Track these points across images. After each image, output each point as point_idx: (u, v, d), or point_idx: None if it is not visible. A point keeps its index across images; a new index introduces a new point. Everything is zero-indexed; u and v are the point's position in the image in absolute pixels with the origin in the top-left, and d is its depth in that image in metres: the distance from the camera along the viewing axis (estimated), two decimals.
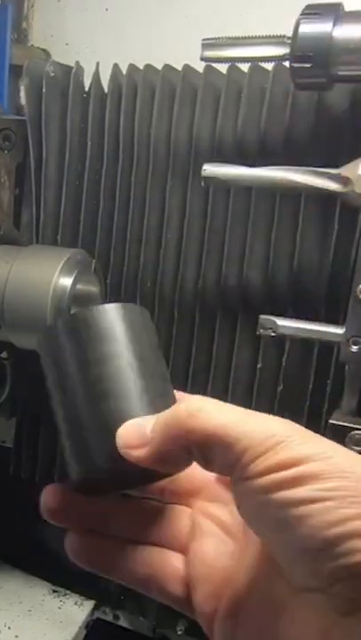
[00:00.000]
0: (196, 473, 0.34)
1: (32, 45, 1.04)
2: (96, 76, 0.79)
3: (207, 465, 0.30)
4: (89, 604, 0.95)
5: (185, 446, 0.29)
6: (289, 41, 0.61)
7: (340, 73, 0.60)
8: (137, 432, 0.31)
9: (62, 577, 0.97)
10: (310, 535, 0.26)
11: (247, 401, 0.75)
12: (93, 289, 0.78)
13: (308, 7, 0.61)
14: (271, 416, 0.29)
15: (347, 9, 0.61)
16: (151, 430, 0.31)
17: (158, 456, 0.30)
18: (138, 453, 0.30)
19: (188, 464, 0.32)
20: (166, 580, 0.35)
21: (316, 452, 0.27)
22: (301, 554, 0.27)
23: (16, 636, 0.88)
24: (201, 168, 0.66)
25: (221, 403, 0.30)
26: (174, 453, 0.30)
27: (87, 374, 0.33)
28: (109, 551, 0.35)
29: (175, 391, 0.36)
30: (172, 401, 0.34)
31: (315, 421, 0.71)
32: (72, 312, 0.34)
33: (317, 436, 0.30)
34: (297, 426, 0.29)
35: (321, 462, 0.27)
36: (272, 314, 0.67)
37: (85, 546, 0.35)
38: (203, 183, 0.67)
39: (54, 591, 0.97)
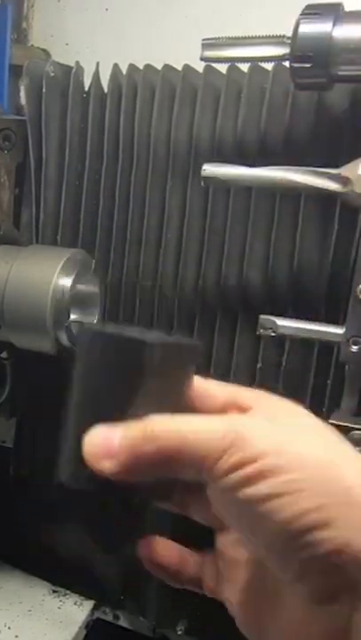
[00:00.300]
0: None
1: (32, 45, 1.04)
2: (96, 76, 0.79)
3: (177, 473, 0.30)
4: (89, 604, 0.95)
5: (153, 461, 0.29)
6: (289, 41, 0.61)
7: (340, 73, 0.60)
8: (104, 443, 0.30)
9: (62, 577, 0.97)
10: (275, 530, 0.27)
11: None
12: (93, 289, 0.78)
13: (308, 7, 0.61)
14: (228, 415, 0.30)
15: (347, 9, 0.61)
16: (119, 444, 0.30)
17: (127, 470, 0.30)
18: (108, 465, 0.30)
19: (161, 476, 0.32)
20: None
21: (272, 446, 0.28)
22: (271, 548, 0.28)
23: (16, 636, 0.88)
24: (201, 168, 0.66)
25: (176, 416, 0.30)
26: (143, 468, 0.30)
27: (89, 388, 0.32)
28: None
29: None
30: None
31: None
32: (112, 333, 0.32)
33: (278, 415, 0.30)
34: (249, 419, 0.29)
35: (276, 456, 0.27)
36: (272, 314, 0.67)
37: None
38: (203, 183, 0.67)
39: (54, 591, 0.97)
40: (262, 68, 0.71)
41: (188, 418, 0.30)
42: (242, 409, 0.33)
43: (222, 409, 0.34)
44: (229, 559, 0.34)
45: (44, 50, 1.02)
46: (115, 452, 0.30)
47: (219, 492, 0.29)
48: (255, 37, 0.64)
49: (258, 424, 0.29)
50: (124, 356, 0.31)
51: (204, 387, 0.35)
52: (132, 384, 0.31)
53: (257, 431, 0.28)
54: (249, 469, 0.27)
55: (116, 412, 0.31)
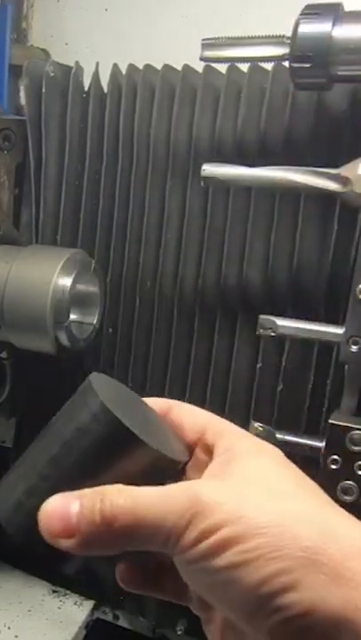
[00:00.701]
0: None
1: (32, 45, 1.04)
2: (95, 76, 0.79)
3: (138, 546, 0.30)
4: (89, 604, 0.95)
5: (113, 540, 0.29)
6: (288, 41, 0.61)
7: (339, 73, 0.60)
8: (62, 519, 0.30)
9: (62, 577, 0.97)
10: (241, 597, 0.27)
11: (247, 401, 0.75)
12: (93, 289, 0.78)
13: (308, 7, 0.61)
14: (184, 484, 0.30)
15: (347, 9, 0.61)
16: (76, 520, 0.29)
17: (86, 547, 0.30)
18: (67, 544, 0.30)
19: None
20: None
21: (230, 513, 0.28)
22: (240, 614, 0.28)
23: (16, 636, 0.88)
24: (201, 168, 0.66)
25: (132, 492, 0.30)
26: (103, 546, 0.30)
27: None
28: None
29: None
30: None
31: (315, 421, 0.71)
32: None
33: (234, 460, 0.31)
34: (206, 487, 0.30)
35: (236, 525, 0.28)
36: (272, 314, 0.67)
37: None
38: (202, 183, 0.67)
39: (54, 591, 0.97)
40: (262, 68, 0.71)
41: (146, 494, 0.29)
42: (206, 447, 0.34)
43: (194, 444, 0.35)
44: (207, 605, 0.34)
45: (43, 50, 1.02)
46: (73, 529, 0.29)
47: (185, 564, 0.29)
48: (255, 37, 0.64)
49: (217, 491, 0.29)
50: (121, 443, 0.31)
51: (180, 421, 0.36)
52: (112, 463, 0.31)
53: (216, 500, 0.29)
54: (211, 540, 0.28)
55: (87, 479, 0.31)
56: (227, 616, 0.31)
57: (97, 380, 0.33)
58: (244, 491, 0.30)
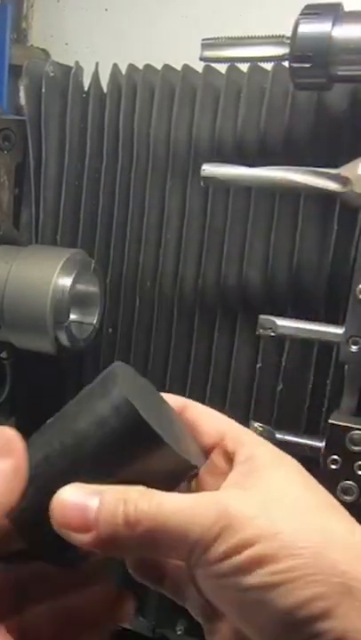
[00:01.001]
0: None
1: (31, 45, 1.05)
2: (95, 76, 0.79)
3: (158, 553, 0.28)
4: None
5: (134, 537, 0.28)
6: (288, 41, 0.61)
7: (339, 73, 0.60)
8: (80, 512, 0.28)
9: None
10: (270, 618, 0.26)
11: (247, 401, 0.75)
12: (93, 289, 0.78)
13: (308, 7, 0.61)
14: (212, 495, 0.29)
15: (347, 9, 0.61)
16: (95, 516, 0.28)
17: (102, 546, 0.28)
18: (80, 538, 0.28)
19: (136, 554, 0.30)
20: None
21: (263, 529, 0.27)
22: (265, 635, 0.27)
23: None
24: (200, 168, 0.66)
25: (157, 493, 0.28)
26: (122, 549, 0.28)
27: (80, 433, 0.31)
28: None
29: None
30: None
31: (315, 421, 0.71)
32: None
33: (258, 471, 0.30)
34: (233, 499, 0.28)
35: (271, 542, 0.26)
36: (272, 314, 0.67)
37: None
38: (202, 183, 0.67)
39: None
40: (262, 68, 0.71)
41: (172, 500, 0.28)
42: (227, 453, 0.33)
43: (210, 448, 0.34)
44: (211, 616, 0.33)
45: (43, 50, 1.02)
46: (89, 525, 0.28)
47: (209, 577, 0.28)
48: (255, 37, 0.64)
49: (245, 504, 0.28)
50: (142, 441, 0.30)
51: (196, 422, 0.34)
52: (128, 459, 0.30)
53: (246, 513, 0.27)
54: (244, 557, 0.26)
55: (99, 473, 0.30)
56: (241, 630, 0.30)
57: (121, 371, 0.32)
58: (270, 504, 0.28)
